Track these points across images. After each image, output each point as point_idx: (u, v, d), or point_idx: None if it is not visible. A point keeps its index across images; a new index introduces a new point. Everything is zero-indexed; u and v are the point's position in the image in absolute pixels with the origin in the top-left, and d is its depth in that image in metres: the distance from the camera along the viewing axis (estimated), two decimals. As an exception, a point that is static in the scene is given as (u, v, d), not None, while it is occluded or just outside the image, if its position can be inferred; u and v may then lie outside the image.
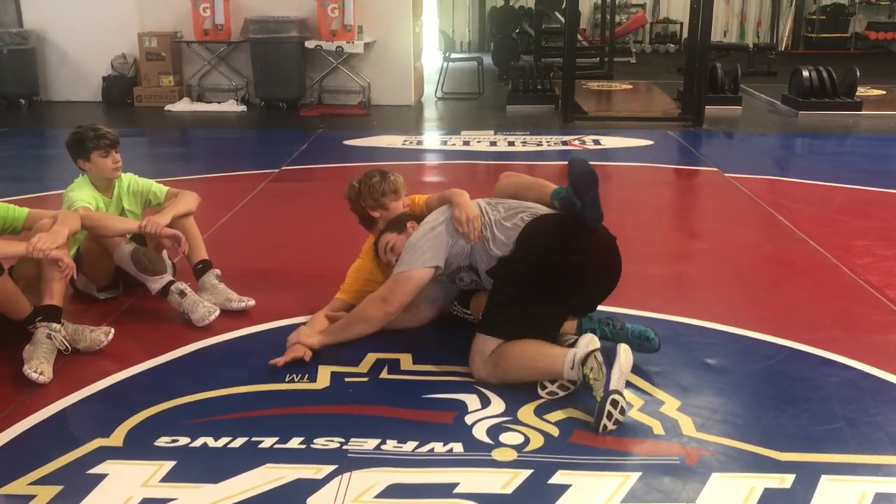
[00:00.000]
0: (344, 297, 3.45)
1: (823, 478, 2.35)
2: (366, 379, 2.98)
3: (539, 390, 2.80)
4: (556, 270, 2.89)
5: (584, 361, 2.68)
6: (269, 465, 2.41)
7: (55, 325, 3.09)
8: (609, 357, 2.64)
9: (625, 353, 2.70)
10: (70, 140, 3.65)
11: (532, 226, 2.99)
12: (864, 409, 2.74)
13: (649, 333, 3.09)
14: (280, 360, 3.05)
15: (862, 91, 10.13)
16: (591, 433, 2.59)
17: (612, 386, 2.58)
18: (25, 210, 3.27)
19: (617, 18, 15.73)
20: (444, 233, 3.06)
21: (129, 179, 3.77)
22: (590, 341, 2.74)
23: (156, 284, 3.51)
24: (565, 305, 2.96)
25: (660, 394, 2.84)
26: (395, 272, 3.08)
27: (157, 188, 3.81)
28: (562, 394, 2.79)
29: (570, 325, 3.13)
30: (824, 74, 9.34)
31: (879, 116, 9.20)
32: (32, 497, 2.27)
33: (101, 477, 2.36)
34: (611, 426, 2.57)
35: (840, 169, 6.69)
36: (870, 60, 15.18)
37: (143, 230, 3.46)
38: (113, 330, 3.24)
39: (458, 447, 2.51)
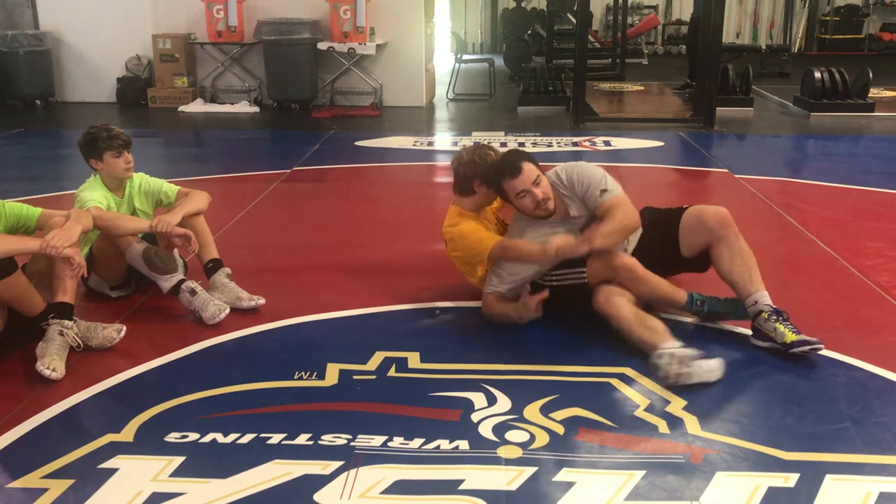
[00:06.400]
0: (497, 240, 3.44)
1: (828, 477, 2.35)
2: (374, 377, 3.00)
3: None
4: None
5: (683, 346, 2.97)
6: (276, 460, 2.44)
7: (67, 322, 3.13)
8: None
9: (718, 364, 2.95)
10: (83, 140, 3.69)
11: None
12: (871, 410, 2.74)
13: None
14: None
15: (875, 92, 10.09)
16: (597, 431, 2.61)
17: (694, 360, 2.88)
18: (39, 210, 3.31)
19: (629, 20, 15.72)
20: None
21: (140, 179, 3.81)
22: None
23: (167, 283, 3.55)
24: None
25: (666, 393, 2.85)
26: (609, 195, 3.29)
27: (169, 188, 3.85)
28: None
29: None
30: (836, 76, 9.31)
31: (892, 118, 9.15)
32: (45, 490, 2.31)
33: (112, 471, 2.40)
34: (664, 361, 2.88)
35: (851, 170, 6.67)
36: (884, 62, 15.10)
37: (153, 229, 3.50)
38: (125, 327, 3.29)
39: (464, 444, 2.54)
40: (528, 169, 3.31)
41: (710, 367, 2.91)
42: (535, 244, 3.27)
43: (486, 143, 3.79)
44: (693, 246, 3.34)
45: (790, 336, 3.08)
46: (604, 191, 3.31)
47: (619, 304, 3.16)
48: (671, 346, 2.95)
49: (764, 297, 3.22)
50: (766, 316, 3.16)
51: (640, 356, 3.05)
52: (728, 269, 3.26)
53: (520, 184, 3.30)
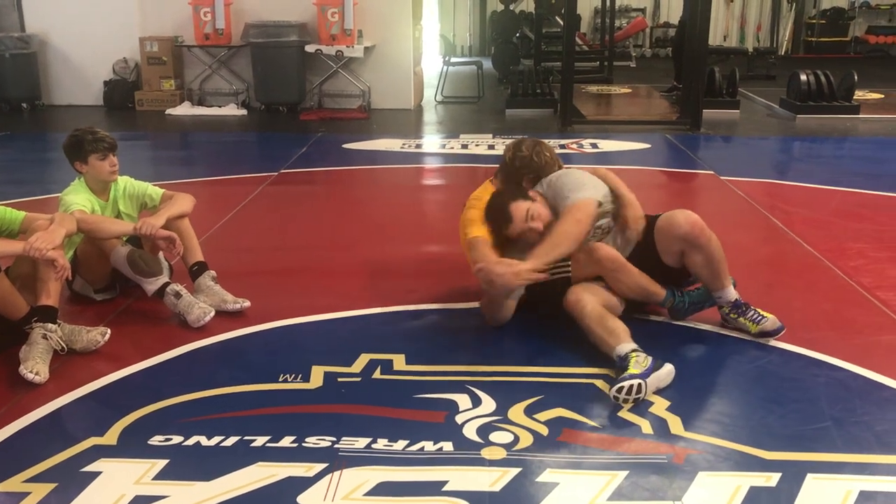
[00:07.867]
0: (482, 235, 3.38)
1: (809, 476, 2.37)
2: (358, 379, 3.01)
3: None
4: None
5: (635, 350, 2.94)
6: (260, 463, 2.44)
7: (51, 326, 3.11)
8: (657, 366, 2.90)
9: (668, 371, 2.91)
10: (68, 143, 3.67)
11: None
12: (852, 409, 2.77)
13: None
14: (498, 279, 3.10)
15: (860, 95, 10.16)
16: (580, 432, 2.63)
17: (647, 378, 2.83)
18: (22, 213, 3.30)
19: (617, 23, 15.76)
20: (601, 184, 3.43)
21: (124, 182, 3.80)
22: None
23: (151, 286, 3.54)
24: None
25: (649, 394, 2.85)
26: (573, 199, 3.25)
27: (153, 191, 3.84)
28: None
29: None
30: (822, 78, 9.37)
31: (877, 120, 9.23)
32: (27, 494, 2.30)
33: (95, 475, 2.39)
34: (622, 397, 2.79)
35: (836, 172, 6.71)
36: (869, 64, 15.21)
37: (138, 232, 3.49)
38: (109, 331, 3.27)
39: (447, 446, 2.54)
40: (517, 209, 3.29)
41: (661, 377, 2.89)
42: (494, 260, 3.20)
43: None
44: (671, 254, 3.34)
45: (753, 327, 3.33)
46: (565, 198, 3.28)
47: (585, 303, 3.15)
48: (626, 349, 2.95)
49: (728, 294, 3.36)
50: (726, 311, 3.38)
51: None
52: (700, 272, 3.34)
53: (514, 229, 3.31)
